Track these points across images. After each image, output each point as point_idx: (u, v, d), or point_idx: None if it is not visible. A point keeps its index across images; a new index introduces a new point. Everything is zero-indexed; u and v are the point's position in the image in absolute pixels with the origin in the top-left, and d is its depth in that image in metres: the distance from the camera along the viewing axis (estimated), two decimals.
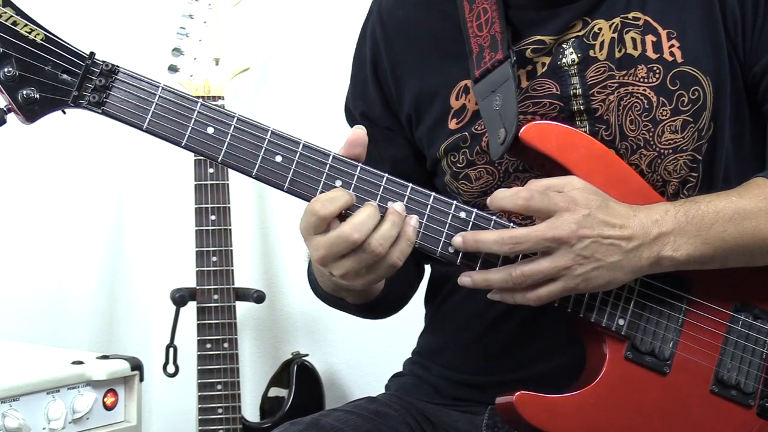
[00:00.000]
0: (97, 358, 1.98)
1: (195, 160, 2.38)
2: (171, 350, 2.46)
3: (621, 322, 1.44)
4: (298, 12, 2.65)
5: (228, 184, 2.37)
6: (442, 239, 1.41)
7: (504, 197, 1.39)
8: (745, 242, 1.42)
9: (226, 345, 2.37)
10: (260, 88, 2.70)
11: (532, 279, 1.38)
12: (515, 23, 1.55)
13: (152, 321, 2.77)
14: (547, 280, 1.38)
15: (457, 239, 1.40)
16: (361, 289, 1.44)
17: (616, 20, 1.52)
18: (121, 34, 2.66)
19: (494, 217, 1.42)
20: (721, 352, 1.47)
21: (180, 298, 2.43)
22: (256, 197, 2.70)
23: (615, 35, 1.51)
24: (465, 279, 1.42)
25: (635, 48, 1.51)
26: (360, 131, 1.41)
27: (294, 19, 2.66)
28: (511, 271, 1.38)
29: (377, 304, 1.60)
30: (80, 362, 1.94)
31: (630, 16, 1.51)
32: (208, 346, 2.37)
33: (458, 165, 1.58)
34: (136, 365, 1.99)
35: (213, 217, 2.37)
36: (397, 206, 1.37)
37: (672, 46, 1.50)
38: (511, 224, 1.42)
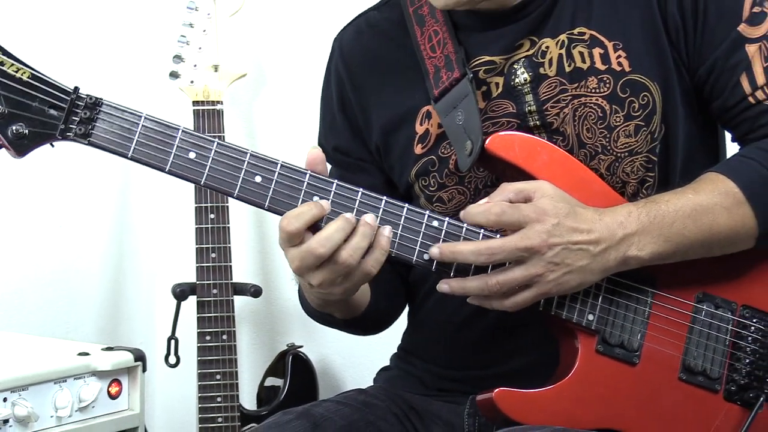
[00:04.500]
0: (102, 349, 1.98)
1: (319, 148, 2.39)
2: (172, 342, 2.47)
3: (590, 317, 1.45)
4: (294, 21, 2.65)
5: None
6: (417, 248, 1.41)
7: (477, 212, 1.40)
8: (704, 236, 1.43)
9: (224, 337, 2.38)
10: (257, 93, 2.70)
11: (507, 287, 1.39)
12: (464, 44, 1.55)
13: (154, 314, 2.76)
14: (522, 287, 1.39)
15: (434, 250, 1.40)
16: (340, 298, 1.44)
17: (562, 37, 1.52)
18: (125, 43, 2.66)
19: (465, 225, 1.42)
20: (687, 341, 1.47)
21: (181, 292, 2.44)
22: None
23: (562, 51, 1.51)
24: (443, 286, 1.41)
25: (584, 61, 1.51)
26: (316, 151, 1.41)
27: (289, 28, 2.66)
28: (487, 280, 1.39)
29: (364, 319, 1.60)
30: (86, 354, 1.94)
31: (576, 31, 1.52)
32: (208, 338, 2.38)
33: (430, 189, 1.58)
34: (139, 356, 1.99)
35: (212, 216, 2.37)
36: (368, 218, 1.37)
37: (619, 56, 1.50)
38: (482, 231, 1.42)
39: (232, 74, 2.44)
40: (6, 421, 1.76)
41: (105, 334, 2.64)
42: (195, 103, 2.40)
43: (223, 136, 2.40)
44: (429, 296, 1.64)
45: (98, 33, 2.60)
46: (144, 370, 2.00)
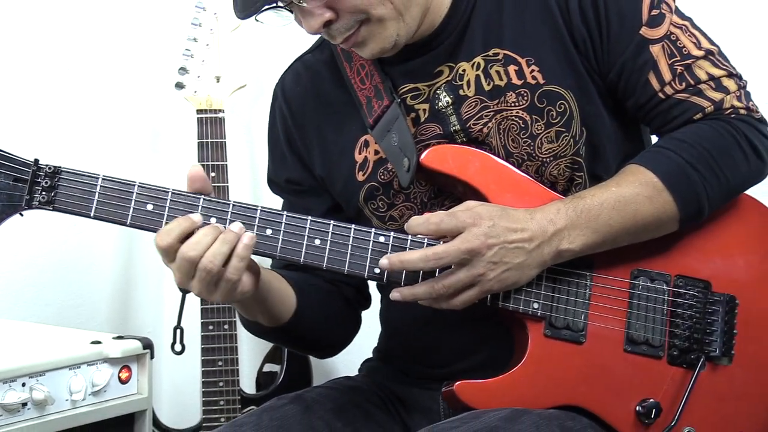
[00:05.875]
0: (113, 338, 1.99)
1: (199, 165, 2.39)
2: (178, 331, 2.43)
3: (535, 305, 1.46)
4: (289, 36, 2.66)
5: (227, 186, 2.38)
6: (368, 263, 1.42)
7: (418, 224, 1.41)
8: (629, 225, 1.44)
9: (226, 326, 2.39)
10: (255, 102, 2.71)
11: (453, 288, 1.40)
12: (389, 74, 1.56)
13: (162, 306, 2.78)
14: (466, 287, 1.40)
15: (383, 261, 1.40)
16: (225, 302, 1.40)
17: (477, 59, 1.53)
18: (136, 57, 2.67)
19: (409, 237, 1.43)
20: (628, 315, 1.49)
21: None
22: (252, 198, 2.71)
23: (479, 72, 1.52)
24: (395, 294, 1.42)
25: (501, 79, 1.52)
26: (196, 168, 1.41)
27: (285, 43, 2.66)
28: (434, 284, 1.40)
29: (291, 330, 1.58)
30: (98, 342, 1.95)
31: (490, 53, 1.52)
32: (211, 327, 2.39)
33: (380, 210, 1.59)
34: (147, 344, 2.00)
35: None
36: (233, 226, 1.35)
37: (533, 71, 1.51)
38: (425, 241, 1.42)
39: (233, 85, 2.45)
40: (24, 404, 1.77)
41: (116, 324, 2.66)
42: (199, 111, 2.42)
43: (225, 142, 2.41)
44: (392, 301, 1.65)
45: (112, 48, 2.61)
46: (152, 357, 2.01)
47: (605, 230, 1.43)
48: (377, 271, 1.42)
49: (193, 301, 2.43)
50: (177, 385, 2.78)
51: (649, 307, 1.49)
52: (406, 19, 1.46)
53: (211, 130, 2.41)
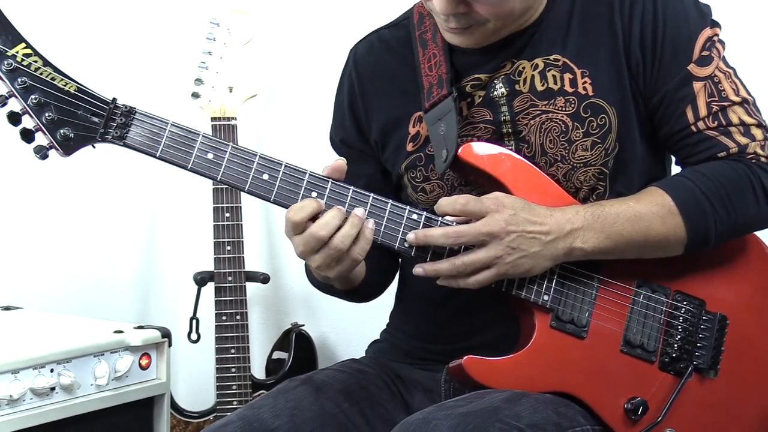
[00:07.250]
0: (135, 328, 2.01)
1: (344, 159, 2.39)
2: (194, 321, 2.49)
3: (545, 297, 1.48)
4: (296, 50, 2.67)
5: None
6: (399, 236, 1.44)
7: (446, 204, 1.43)
8: (639, 238, 1.46)
9: (238, 317, 2.40)
10: (265, 111, 2.70)
11: (471, 267, 1.42)
12: (457, 65, 1.58)
13: (179, 298, 2.79)
14: (484, 267, 1.42)
15: (410, 236, 1.43)
16: (336, 278, 1.45)
17: (537, 60, 1.54)
18: (156, 69, 2.70)
19: (440, 218, 1.45)
20: (628, 319, 1.50)
21: (201, 279, 2.46)
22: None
23: (536, 73, 1.53)
24: (417, 269, 1.44)
25: (555, 83, 1.53)
26: (341, 161, 1.45)
27: (293, 56, 2.68)
28: (455, 261, 1.42)
29: (360, 290, 1.62)
30: (121, 331, 1.97)
31: (552, 57, 1.54)
32: (224, 318, 2.39)
33: (416, 180, 1.61)
34: (166, 334, 2.01)
35: (227, 215, 2.40)
36: (358, 211, 1.41)
37: (585, 82, 1.52)
38: (454, 223, 1.44)
39: (244, 94, 2.46)
40: (53, 389, 1.80)
41: (137, 315, 2.69)
42: (213, 119, 2.42)
43: None
44: (410, 279, 1.66)
45: (132, 61, 2.64)
46: (170, 345, 2.02)
47: (617, 238, 1.45)
48: (407, 244, 1.44)
49: (208, 294, 2.46)
50: (193, 371, 2.79)
51: (648, 315, 1.51)
52: (502, 31, 1.52)
53: (224, 137, 2.42)
